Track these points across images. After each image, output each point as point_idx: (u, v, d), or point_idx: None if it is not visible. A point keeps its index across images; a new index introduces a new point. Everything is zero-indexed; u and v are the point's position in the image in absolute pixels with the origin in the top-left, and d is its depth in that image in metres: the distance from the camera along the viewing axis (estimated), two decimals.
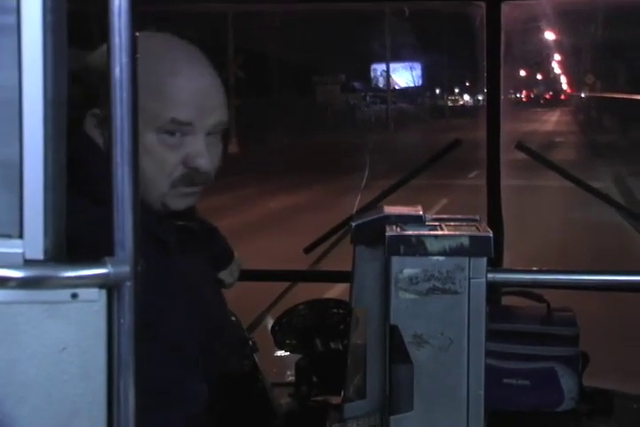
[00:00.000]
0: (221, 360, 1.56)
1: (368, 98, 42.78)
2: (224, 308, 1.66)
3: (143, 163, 1.44)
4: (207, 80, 1.51)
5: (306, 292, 2.67)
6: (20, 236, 0.96)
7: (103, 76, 1.41)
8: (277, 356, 2.09)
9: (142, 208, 1.45)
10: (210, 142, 1.52)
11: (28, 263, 0.96)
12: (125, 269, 0.97)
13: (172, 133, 1.48)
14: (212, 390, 1.48)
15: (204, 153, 1.50)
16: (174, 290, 1.45)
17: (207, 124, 1.50)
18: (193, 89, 1.48)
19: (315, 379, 2.00)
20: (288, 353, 2.09)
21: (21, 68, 0.95)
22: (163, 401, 1.31)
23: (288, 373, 2.09)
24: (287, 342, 2.08)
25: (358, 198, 2.73)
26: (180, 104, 1.47)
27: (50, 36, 0.96)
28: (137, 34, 0.99)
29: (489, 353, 1.39)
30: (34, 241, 0.96)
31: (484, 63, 2.46)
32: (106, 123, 1.44)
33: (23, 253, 0.96)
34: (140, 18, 1.00)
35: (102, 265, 0.97)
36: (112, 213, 0.97)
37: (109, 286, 0.97)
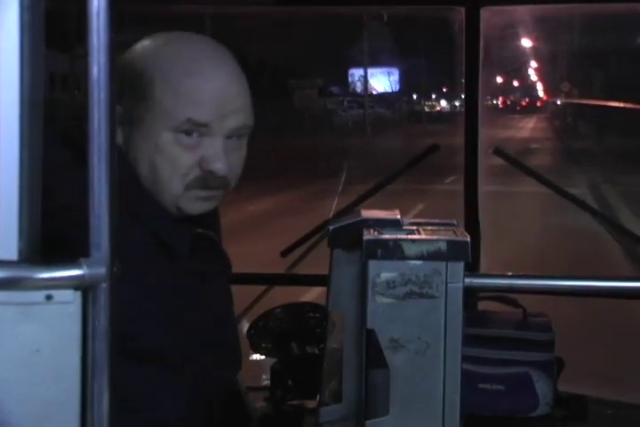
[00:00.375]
0: (211, 376, 1.52)
1: (345, 103, 42.87)
2: (226, 323, 1.62)
3: (158, 163, 1.44)
4: (228, 82, 1.47)
5: (282, 295, 2.66)
6: None
7: (124, 72, 1.43)
8: (253, 359, 2.08)
9: (156, 212, 1.46)
10: (230, 146, 1.49)
11: (1, 264, 0.95)
12: (101, 270, 0.96)
13: (188, 134, 1.45)
14: (195, 400, 1.47)
15: (220, 156, 1.46)
16: (164, 297, 1.43)
17: (226, 127, 1.46)
18: (211, 90, 1.45)
19: (290, 383, 1.99)
20: (263, 357, 2.08)
21: None
22: (129, 405, 1.29)
23: (263, 376, 2.08)
24: (263, 345, 2.07)
25: (335, 203, 2.74)
26: (197, 104, 1.44)
27: (27, 36, 0.95)
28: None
29: (464, 358, 1.39)
30: (8, 242, 0.95)
31: (463, 69, 2.46)
32: (125, 121, 1.45)
33: None
34: (118, 18, 0.99)
35: (77, 266, 0.95)
36: (88, 214, 0.96)
37: (84, 288, 0.96)
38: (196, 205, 1.49)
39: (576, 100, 34.62)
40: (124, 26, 1.48)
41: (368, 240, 1.37)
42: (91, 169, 0.96)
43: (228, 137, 1.48)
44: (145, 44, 1.51)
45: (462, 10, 2.41)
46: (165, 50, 1.48)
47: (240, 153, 1.53)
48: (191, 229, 1.50)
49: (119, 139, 1.44)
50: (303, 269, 2.75)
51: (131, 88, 1.45)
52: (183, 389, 1.45)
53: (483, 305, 2.32)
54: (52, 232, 1.00)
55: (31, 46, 0.96)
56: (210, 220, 1.58)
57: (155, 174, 1.45)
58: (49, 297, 0.95)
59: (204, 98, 1.44)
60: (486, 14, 2.43)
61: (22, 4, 0.94)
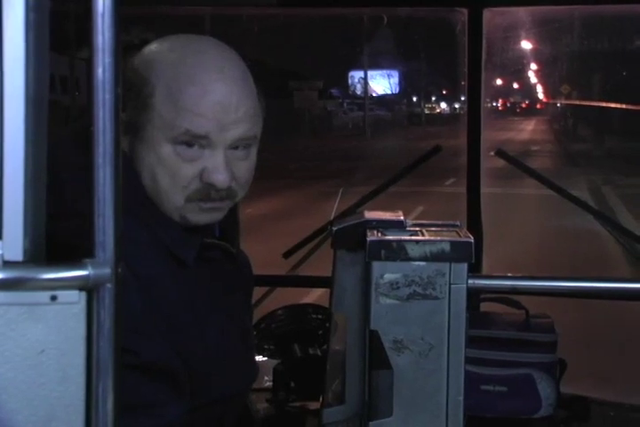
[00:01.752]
0: (221, 390, 1.49)
1: (345, 104, 42.88)
2: (240, 336, 1.57)
3: (158, 174, 1.41)
4: (229, 92, 1.43)
5: (284, 297, 2.66)
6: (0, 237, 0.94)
7: (128, 79, 1.40)
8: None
9: (163, 221, 1.44)
10: (235, 156, 1.46)
11: (6, 265, 0.94)
12: (106, 271, 0.96)
13: (189, 145, 1.42)
14: (203, 415, 1.45)
15: (221, 168, 1.42)
16: (170, 309, 1.40)
17: (227, 139, 1.43)
18: (211, 101, 1.41)
19: (293, 384, 1.99)
20: (266, 358, 2.08)
21: (2, 67, 0.94)
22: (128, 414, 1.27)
23: (266, 378, 2.08)
24: (265, 347, 2.07)
25: (336, 205, 2.73)
26: (196, 115, 1.40)
27: (32, 35, 0.95)
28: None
29: (467, 359, 1.39)
30: (13, 242, 0.95)
31: (465, 70, 2.46)
32: (128, 129, 1.41)
33: (2, 255, 0.94)
34: (123, 19, 0.99)
35: (82, 267, 0.95)
36: (92, 215, 0.95)
37: (89, 288, 0.96)
38: (200, 216, 1.46)
39: (577, 102, 34.63)
40: (128, 27, 1.48)
41: (371, 241, 1.37)
42: (96, 170, 0.96)
43: (234, 147, 1.45)
44: (150, 49, 1.47)
45: (464, 11, 2.41)
46: (169, 57, 1.44)
47: (247, 163, 1.49)
48: (200, 239, 1.48)
49: (124, 146, 1.41)
50: (305, 271, 2.74)
51: (134, 96, 1.42)
52: (188, 403, 1.41)
53: (485, 307, 2.31)
54: (56, 232, 1.00)
55: (36, 45, 0.96)
56: (228, 229, 1.55)
57: (156, 185, 1.43)
58: (54, 298, 0.95)
59: (203, 109, 1.41)
60: (487, 16, 2.43)
61: (28, 3, 0.94)
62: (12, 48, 0.94)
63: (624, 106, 22.62)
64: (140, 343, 1.32)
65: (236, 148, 1.46)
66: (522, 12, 3.00)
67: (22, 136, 0.95)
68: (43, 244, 0.97)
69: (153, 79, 1.42)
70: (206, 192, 1.44)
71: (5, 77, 0.94)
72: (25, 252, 0.95)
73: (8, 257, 0.95)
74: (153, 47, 1.47)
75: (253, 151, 1.51)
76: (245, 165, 1.49)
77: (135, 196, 1.40)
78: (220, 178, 1.43)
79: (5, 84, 0.94)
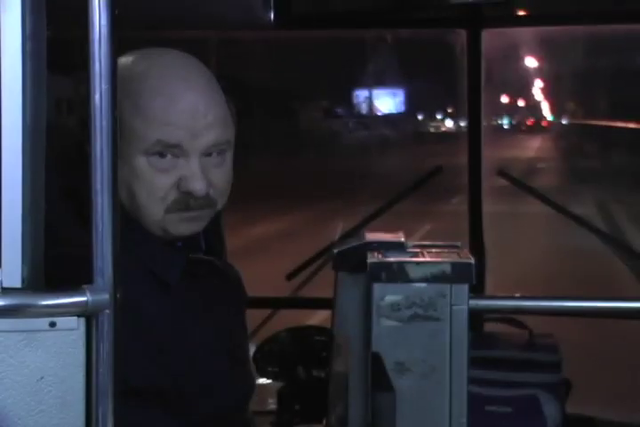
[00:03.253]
0: (214, 410, 1.47)
1: (350, 124, 42.99)
2: (233, 354, 1.55)
3: (135, 188, 1.41)
4: (196, 99, 1.43)
5: (287, 319, 2.66)
6: None
7: None
8: (259, 383, 2.07)
9: (142, 238, 1.42)
10: (210, 163, 1.44)
11: (5, 291, 0.95)
12: (104, 296, 0.96)
13: (162, 155, 1.41)
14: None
15: (197, 176, 1.41)
16: (155, 332, 1.39)
17: (200, 146, 1.42)
18: (179, 109, 1.41)
19: (297, 407, 1.98)
20: (270, 381, 2.07)
21: (0, 96, 0.95)
22: None
23: (270, 401, 2.07)
24: (269, 369, 2.06)
25: (341, 224, 2.74)
26: (165, 125, 1.40)
27: (29, 64, 0.96)
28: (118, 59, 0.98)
29: (471, 380, 1.39)
30: (12, 269, 0.95)
31: (466, 90, 2.47)
32: None
33: (0, 282, 0.95)
34: (119, 44, 1.00)
35: (81, 293, 0.96)
36: (91, 241, 0.96)
37: (88, 315, 0.96)
38: (181, 226, 1.45)
39: (581, 121, 34.67)
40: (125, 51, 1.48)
41: (372, 263, 1.37)
42: (93, 196, 0.96)
43: (207, 155, 1.44)
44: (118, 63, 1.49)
45: (464, 32, 2.43)
46: (134, 71, 1.44)
47: (223, 169, 1.48)
48: (184, 256, 1.46)
49: None
50: (309, 292, 2.74)
51: None
52: (181, 422, 1.41)
53: (489, 327, 2.31)
54: (55, 259, 1.00)
55: (34, 74, 0.97)
56: (213, 243, 1.55)
57: (134, 199, 1.42)
58: (53, 324, 0.95)
59: (172, 118, 1.41)
60: (488, 36, 2.44)
61: (25, 32, 0.95)
62: (10, 77, 0.95)
63: (630, 124, 22.62)
64: (127, 369, 1.32)
65: (209, 154, 1.45)
66: (525, 30, 3.01)
67: (20, 164, 0.95)
68: (41, 271, 0.97)
69: (119, 94, 1.42)
70: (185, 202, 1.43)
71: (3, 107, 0.94)
72: (24, 279, 0.96)
73: (7, 284, 0.95)
74: (119, 62, 1.48)
75: (228, 157, 1.49)
76: (221, 172, 1.48)
77: None
78: (197, 186, 1.42)
79: (3, 113, 0.94)
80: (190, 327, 1.46)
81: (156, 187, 1.42)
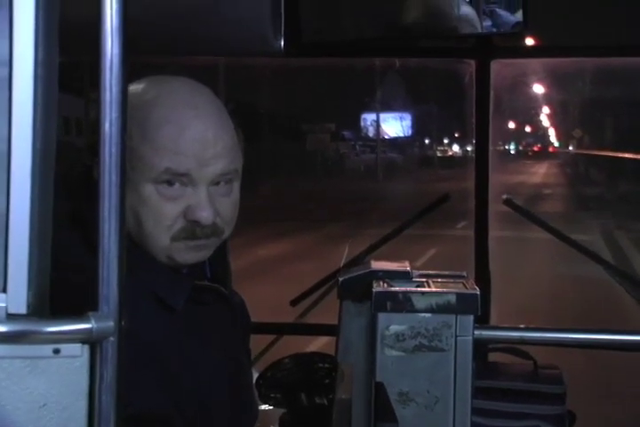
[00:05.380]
0: None
1: (358, 147, 43.05)
2: (237, 380, 1.57)
3: (142, 215, 1.41)
4: (205, 128, 1.43)
5: (290, 344, 2.65)
6: (4, 290, 0.95)
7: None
8: (262, 410, 2.06)
9: (151, 266, 1.42)
10: (218, 192, 1.45)
11: (10, 317, 0.95)
12: (109, 324, 0.96)
13: (170, 184, 1.41)
14: None
15: (205, 205, 1.42)
16: (161, 357, 1.39)
17: (208, 175, 1.43)
18: (188, 138, 1.41)
19: None
20: (272, 407, 2.06)
21: (11, 121, 0.95)
22: None
23: None
24: (272, 395, 2.04)
25: (346, 248, 2.73)
26: (175, 154, 1.40)
27: (41, 90, 0.96)
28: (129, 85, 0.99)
29: (475, 411, 1.38)
30: (17, 295, 0.95)
31: (473, 119, 2.48)
32: None
33: (6, 308, 0.95)
34: (131, 71, 1.00)
35: (85, 320, 0.95)
36: (97, 268, 0.96)
37: (92, 342, 0.96)
38: (187, 255, 1.45)
39: (587, 152, 34.72)
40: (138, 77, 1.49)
41: (377, 292, 1.38)
42: (101, 223, 0.96)
43: (215, 183, 1.45)
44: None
45: (472, 62, 2.44)
46: (143, 98, 1.45)
47: (230, 199, 1.48)
48: (190, 282, 1.47)
49: None
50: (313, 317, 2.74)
51: None
52: None
53: (493, 356, 2.30)
54: (61, 286, 1.00)
55: (45, 100, 0.97)
56: (219, 270, 1.55)
57: (140, 227, 1.42)
58: (57, 351, 0.95)
59: (181, 147, 1.41)
60: (497, 66, 2.44)
61: (37, 59, 0.96)
62: (21, 103, 0.95)
63: (636, 155, 22.64)
64: (132, 394, 1.31)
65: (217, 183, 1.45)
66: (534, 60, 3.02)
67: (29, 189, 0.95)
68: (46, 297, 0.97)
69: (128, 122, 1.43)
70: (191, 230, 1.43)
71: (13, 133, 0.95)
72: (29, 305, 0.95)
73: (12, 310, 0.95)
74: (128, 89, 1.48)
75: (236, 186, 1.50)
76: (229, 201, 1.48)
77: None
78: (204, 215, 1.42)
79: (13, 139, 0.95)
80: (194, 354, 1.46)
81: (164, 215, 1.42)
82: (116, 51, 0.96)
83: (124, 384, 0.97)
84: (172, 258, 1.45)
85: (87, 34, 1.00)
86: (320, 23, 2.34)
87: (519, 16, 2.23)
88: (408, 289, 1.38)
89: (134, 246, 1.42)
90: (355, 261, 2.43)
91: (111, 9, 0.96)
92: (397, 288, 1.39)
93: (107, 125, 0.97)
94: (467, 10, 2.26)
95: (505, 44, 2.47)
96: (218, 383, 1.51)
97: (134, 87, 1.47)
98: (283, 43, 2.07)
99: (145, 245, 1.44)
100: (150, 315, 1.41)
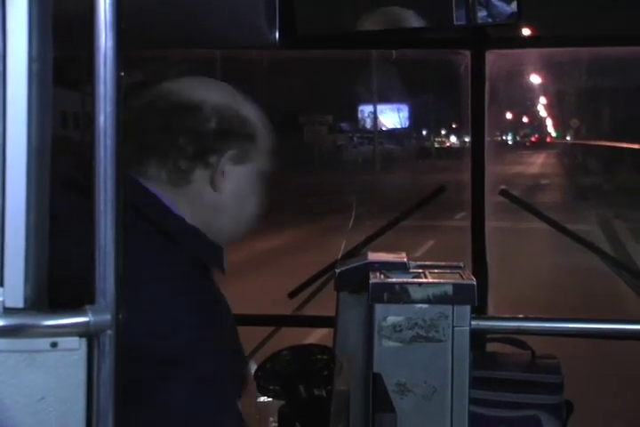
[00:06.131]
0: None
1: (355, 139, 43.03)
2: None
3: (248, 204, 1.52)
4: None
5: (288, 336, 2.66)
6: (1, 284, 0.95)
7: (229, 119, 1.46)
8: (260, 402, 2.06)
9: (192, 233, 1.46)
10: None
11: (7, 311, 0.95)
12: (106, 317, 0.96)
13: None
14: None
15: None
16: (215, 320, 1.42)
17: None
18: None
19: (298, 425, 1.97)
20: (271, 399, 2.06)
21: (6, 117, 0.95)
22: None
23: (271, 419, 2.06)
24: (270, 387, 2.05)
25: (344, 239, 2.73)
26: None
27: (35, 85, 0.96)
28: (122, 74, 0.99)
29: (472, 401, 1.39)
30: (14, 289, 0.95)
31: (469, 110, 2.47)
32: (243, 160, 1.49)
33: (3, 302, 0.95)
34: (125, 65, 1.00)
35: (83, 313, 0.96)
36: (94, 261, 0.96)
37: (90, 335, 0.96)
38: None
39: (584, 141, 34.71)
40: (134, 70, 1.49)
41: (374, 284, 1.38)
42: (97, 216, 0.96)
43: None
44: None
45: (468, 53, 2.43)
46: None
47: None
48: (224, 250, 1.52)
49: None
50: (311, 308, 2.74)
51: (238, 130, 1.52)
52: (234, 412, 1.42)
53: (491, 346, 2.30)
54: (58, 279, 1.00)
55: (39, 95, 0.97)
56: None
57: (241, 213, 1.51)
58: (54, 344, 0.95)
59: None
60: (492, 57, 2.44)
61: (31, 54, 0.96)
62: (16, 99, 0.95)
63: (636, 146, 22.63)
64: (196, 356, 1.32)
65: None
66: (529, 51, 3.02)
67: (24, 184, 0.96)
68: (44, 291, 0.97)
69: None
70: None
71: (8, 128, 0.95)
72: (26, 299, 0.96)
73: (9, 304, 0.95)
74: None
75: None
76: None
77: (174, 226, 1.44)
78: None
79: (8, 134, 0.95)
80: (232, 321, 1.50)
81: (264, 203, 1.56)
82: (110, 44, 0.96)
83: (121, 378, 0.98)
84: (228, 239, 1.51)
85: (81, 28, 1.00)
86: (315, 15, 2.33)
87: (514, 6, 2.22)
88: (405, 280, 1.39)
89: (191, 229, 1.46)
90: (352, 253, 2.44)
91: (104, 2, 0.96)
92: (394, 279, 1.39)
93: (101, 119, 0.97)
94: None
95: (500, 35, 2.47)
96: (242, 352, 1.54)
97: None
98: (278, 34, 2.07)
99: (221, 231, 1.50)
100: (202, 278, 1.45)
